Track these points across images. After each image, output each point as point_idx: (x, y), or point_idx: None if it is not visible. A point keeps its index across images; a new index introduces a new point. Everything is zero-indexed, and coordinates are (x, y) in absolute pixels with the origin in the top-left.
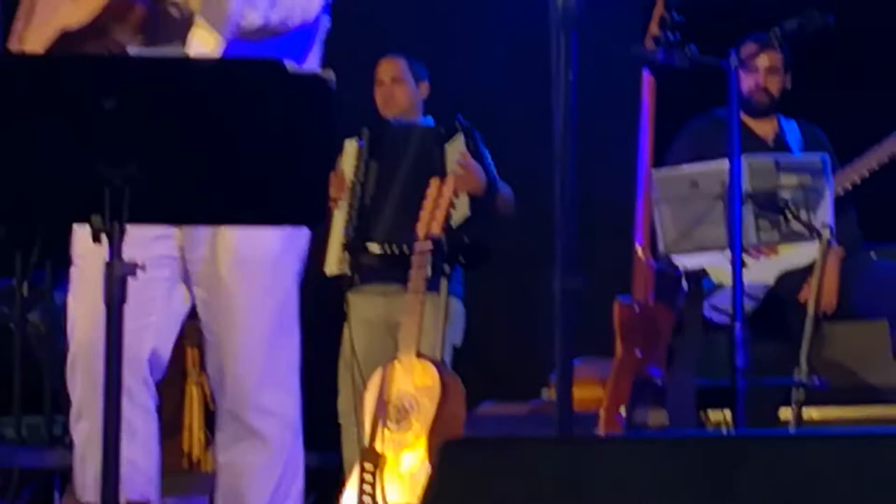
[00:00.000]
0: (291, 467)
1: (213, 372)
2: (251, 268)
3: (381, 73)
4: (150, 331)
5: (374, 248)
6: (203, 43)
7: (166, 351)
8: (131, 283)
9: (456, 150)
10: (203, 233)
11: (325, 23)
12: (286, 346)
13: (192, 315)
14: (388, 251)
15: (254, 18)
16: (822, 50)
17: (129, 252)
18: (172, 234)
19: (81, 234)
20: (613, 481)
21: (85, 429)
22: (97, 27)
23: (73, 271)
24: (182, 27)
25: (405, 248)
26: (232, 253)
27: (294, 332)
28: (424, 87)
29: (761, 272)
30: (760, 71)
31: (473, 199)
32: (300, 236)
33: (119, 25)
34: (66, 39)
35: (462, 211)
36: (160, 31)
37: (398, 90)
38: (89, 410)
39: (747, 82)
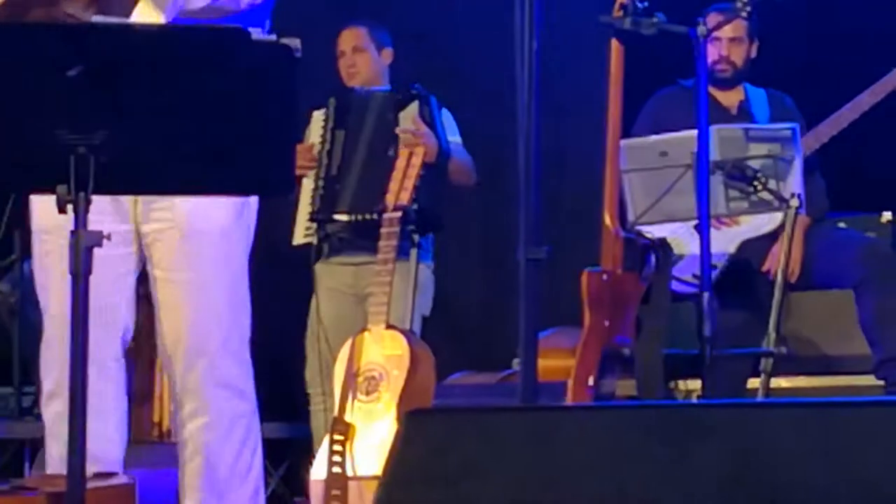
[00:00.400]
0: (252, 440)
1: (166, 346)
2: (202, 241)
3: (342, 43)
4: (124, 307)
5: (342, 217)
6: (146, 19)
7: (132, 327)
8: (108, 258)
9: (409, 116)
10: (153, 205)
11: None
12: (239, 319)
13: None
14: (355, 219)
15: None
16: (791, 17)
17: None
18: (128, 209)
19: (41, 208)
20: (577, 450)
21: (57, 406)
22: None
23: (38, 247)
24: (120, 6)
25: (371, 215)
26: (183, 226)
27: (246, 305)
28: (387, 54)
29: (722, 241)
30: (723, 41)
31: (423, 166)
32: (249, 208)
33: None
34: (13, 7)
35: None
36: (112, 4)
37: (359, 60)
38: (62, 388)
39: (710, 53)
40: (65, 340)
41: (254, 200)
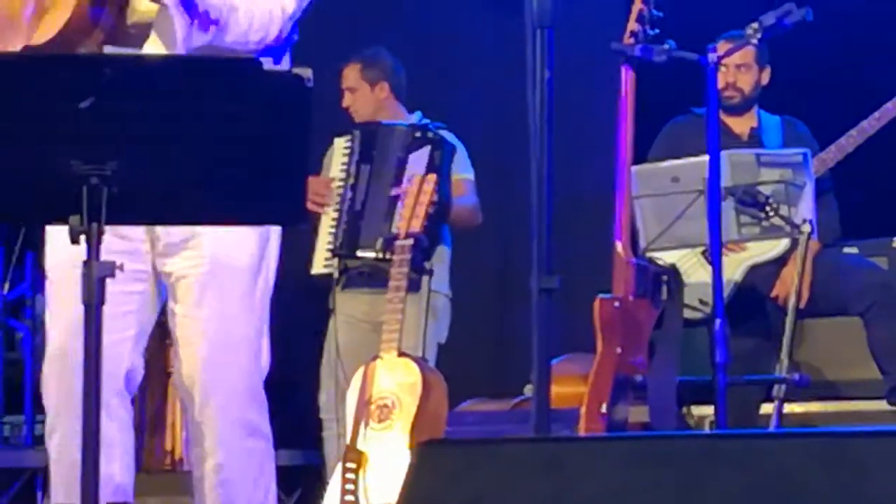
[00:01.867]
0: (264, 477)
1: (184, 382)
2: (227, 277)
3: (342, 82)
4: (129, 345)
5: (366, 254)
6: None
7: (141, 365)
8: (113, 295)
9: (418, 160)
10: (178, 245)
11: (293, 37)
12: (257, 355)
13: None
14: (381, 257)
15: (201, 40)
16: (803, 44)
17: None
18: (142, 249)
19: (53, 245)
20: (589, 481)
21: (58, 440)
22: (62, 43)
23: (48, 286)
24: (139, 40)
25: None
26: (208, 263)
27: (265, 341)
28: (381, 89)
29: (730, 267)
30: (730, 67)
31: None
32: (273, 240)
33: (85, 41)
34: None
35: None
36: (123, 43)
37: (355, 99)
38: (62, 421)
39: (718, 80)
40: (63, 373)
41: (276, 234)
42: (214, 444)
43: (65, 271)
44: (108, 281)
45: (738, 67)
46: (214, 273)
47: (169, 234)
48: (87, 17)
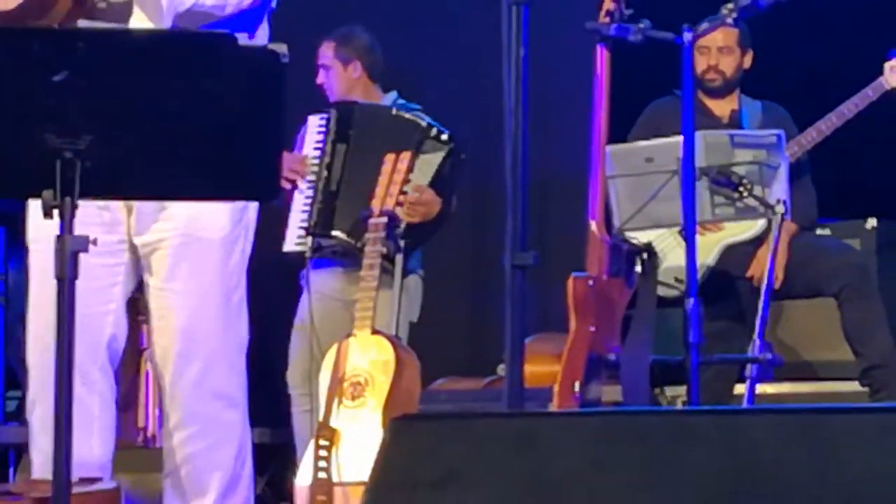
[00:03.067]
0: (242, 450)
1: (159, 355)
2: (200, 249)
3: (318, 59)
4: (111, 317)
5: (340, 235)
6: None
7: (123, 338)
8: (94, 268)
9: (429, 165)
10: (150, 216)
11: (269, 3)
12: (234, 327)
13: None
14: (354, 242)
15: (183, 3)
16: (788, 28)
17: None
18: (122, 220)
19: (35, 217)
20: (562, 456)
21: (38, 415)
22: (31, 8)
23: (30, 257)
24: (109, 18)
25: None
26: (179, 235)
27: (242, 313)
28: (354, 68)
29: (704, 248)
30: (712, 50)
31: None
32: (250, 214)
33: (44, 17)
34: (3, 22)
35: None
36: (98, 18)
37: (330, 76)
38: (43, 396)
39: (700, 62)
40: (46, 348)
41: (253, 207)
42: (187, 415)
43: (47, 243)
44: (90, 254)
45: (720, 50)
46: (187, 244)
47: (142, 205)
48: None
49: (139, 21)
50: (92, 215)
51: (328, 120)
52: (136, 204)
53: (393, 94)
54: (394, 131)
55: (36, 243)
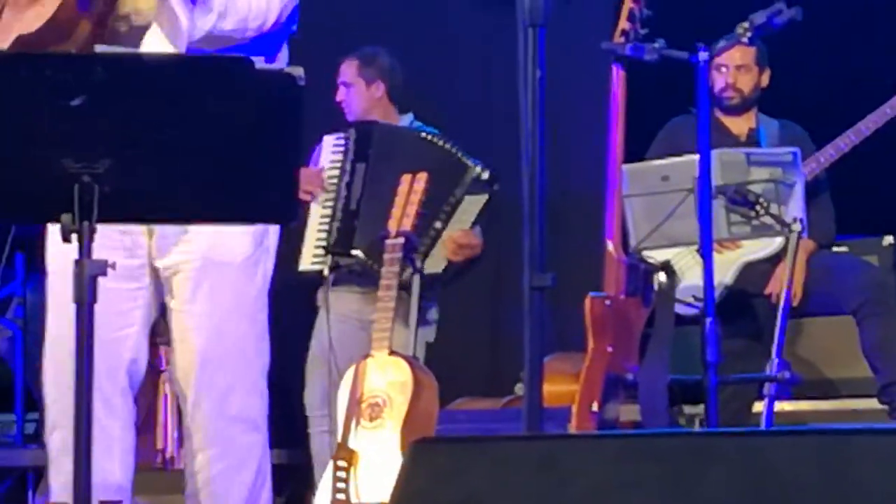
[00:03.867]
0: (262, 473)
1: (180, 377)
2: (219, 272)
3: (340, 76)
4: (130, 341)
5: (361, 255)
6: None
7: (144, 361)
8: (114, 292)
9: (474, 206)
10: (171, 240)
11: (291, 28)
12: (257, 350)
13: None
14: (372, 263)
15: (203, 24)
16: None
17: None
18: (143, 244)
19: (52, 241)
20: (582, 479)
21: (59, 438)
22: (52, 32)
23: (48, 279)
24: (129, 41)
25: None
26: (200, 258)
27: (264, 336)
28: (377, 88)
29: (722, 266)
30: (730, 68)
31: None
32: (271, 237)
33: (64, 41)
34: (24, 46)
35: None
36: (115, 39)
37: (351, 94)
38: (63, 420)
39: (717, 81)
40: (62, 370)
41: (274, 231)
42: (208, 439)
43: (61, 266)
44: (109, 278)
45: (738, 68)
46: (207, 268)
47: (163, 228)
48: (73, 6)
49: (159, 42)
50: (113, 240)
51: (347, 139)
52: (157, 228)
53: (409, 116)
54: (423, 155)
55: (53, 264)
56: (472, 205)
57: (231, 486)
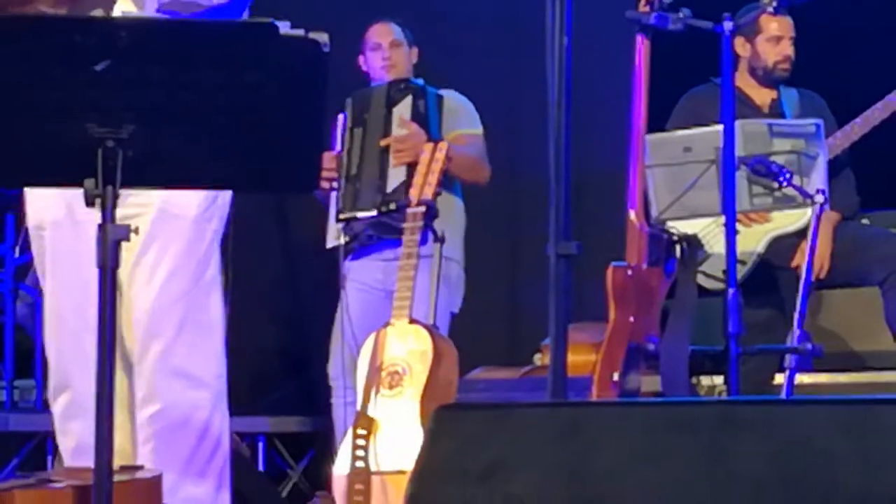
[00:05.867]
0: (208, 434)
1: (126, 330)
2: (171, 226)
3: (376, 35)
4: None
5: (366, 213)
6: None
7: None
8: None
9: (401, 111)
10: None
11: None
12: (201, 306)
13: None
14: (380, 210)
15: None
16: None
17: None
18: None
19: (36, 203)
20: (608, 446)
21: (63, 401)
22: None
23: (36, 243)
24: (102, 3)
25: (388, 207)
26: (155, 210)
27: (213, 292)
28: (415, 53)
29: (753, 237)
30: (787, 40)
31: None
32: (224, 197)
33: (27, 4)
34: None
35: (398, 178)
36: (83, 2)
37: (395, 54)
38: (66, 383)
39: (771, 52)
40: (65, 336)
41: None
42: (151, 392)
43: (54, 232)
44: (77, 223)
45: (790, 39)
46: (161, 220)
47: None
48: None
49: (124, 6)
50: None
51: (346, 110)
52: None
53: (419, 82)
54: (377, 101)
55: (42, 230)
56: (400, 113)
57: (171, 445)
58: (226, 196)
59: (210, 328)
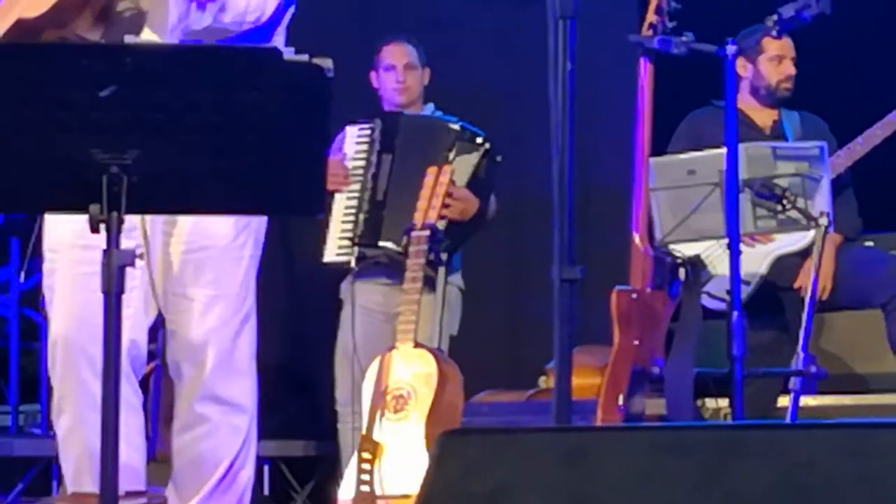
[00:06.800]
0: (243, 456)
1: (170, 361)
2: (203, 256)
3: (391, 58)
4: (128, 322)
5: (389, 246)
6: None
7: (144, 343)
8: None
9: (465, 166)
10: (159, 222)
11: (290, 11)
12: (241, 333)
13: None
14: (402, 253)
15: (201, 20)
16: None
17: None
18: (136, 226)
19: (51, 226)
20: (612, 471)
21: (66, 423)
22: (55, 18)
23: (47, 265)
24: (134, 26)
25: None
26: (184, 242)
27: (251, 319)
28: (426, 74)
29: (756, 258)
30: (789, 60)
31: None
32: (257, 222)
33: (77, 18)
34: (23, 30)
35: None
36: (115, 26)
37: (409, 77)
38: (69, 404)
39: (773, 72)
40: (65, 359)
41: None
42: (192, 420)
43: (63, 255)
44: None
45: (791, 59)
46: (192, 252)
47: None
48: None
49: (145, 35)
50: None
51: (372, 129)
52: None
53: (430, 106)
54: (430, 136)
55: (53, 252)
56: (462, 165)
57: (209, 467)
58: (260, 223)
59: (247, 355)
